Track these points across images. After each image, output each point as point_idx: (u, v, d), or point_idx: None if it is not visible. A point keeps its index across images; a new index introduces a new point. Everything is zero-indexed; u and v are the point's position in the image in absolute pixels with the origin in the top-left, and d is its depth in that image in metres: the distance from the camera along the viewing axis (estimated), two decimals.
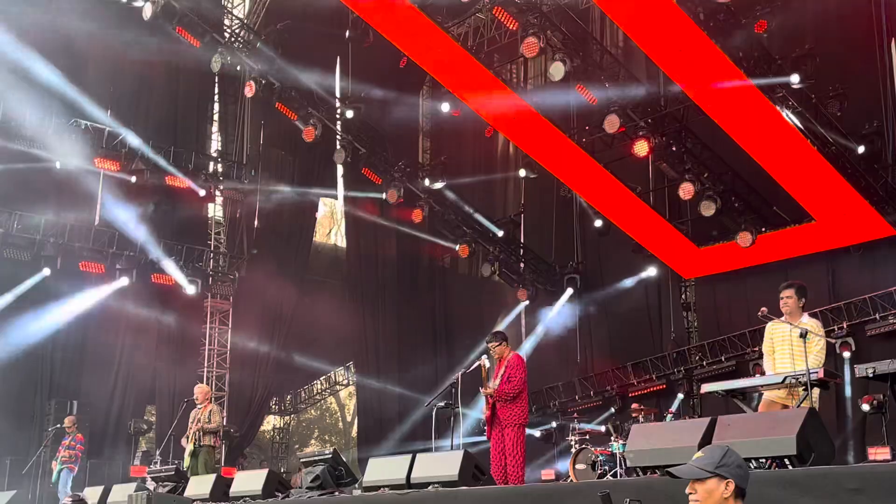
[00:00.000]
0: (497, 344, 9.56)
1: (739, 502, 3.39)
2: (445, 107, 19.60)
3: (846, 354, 14.55)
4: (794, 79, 13.93)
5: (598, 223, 18.41)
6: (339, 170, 22.18)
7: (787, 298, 7.45)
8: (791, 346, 7.34)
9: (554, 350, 19.62)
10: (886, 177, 14.69)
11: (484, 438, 9.74)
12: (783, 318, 7.45)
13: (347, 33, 17.64)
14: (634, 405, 14.00)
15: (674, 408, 16.08)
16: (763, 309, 7.40)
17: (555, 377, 19.24)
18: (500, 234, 19.70)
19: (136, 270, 18.19)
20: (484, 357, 9.49)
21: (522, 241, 20.70)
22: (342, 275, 23.98)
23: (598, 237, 18.97)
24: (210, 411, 12.26)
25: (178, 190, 19.17)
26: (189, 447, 12.12)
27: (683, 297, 18.76)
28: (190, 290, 19.01)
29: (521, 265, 20.18)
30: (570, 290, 19.59)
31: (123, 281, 18.08)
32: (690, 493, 3.42)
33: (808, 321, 7.39)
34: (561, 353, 19.76)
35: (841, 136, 14.45)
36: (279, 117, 18.42)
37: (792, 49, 14.55)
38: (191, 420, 12.34)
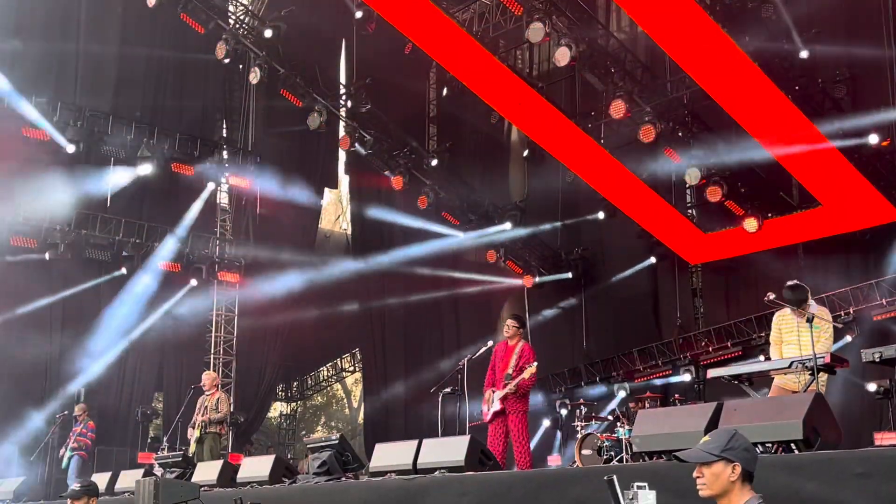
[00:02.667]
0: (517, 326, 9.54)
1: (747, 486, 3.39)
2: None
3: (847, 338, 14.51)
4: (804, 54, 13.86)
5: (601, 214, 18.38)
6: (344, 157, 22.15)
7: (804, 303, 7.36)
8: (798, 334, 7.32)
9: (560, 336, 19.62)
10: (894, 161, 14.62)
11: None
12: (790, 308, 7.41)
13: (358, 14, 17.57)
14: (643, 395, 13.98)
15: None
16: (770, 294, 7.37)
17: (561, 363, 19.25)
18: (509, 225, 19.57)
19: (139, 257, 18.26)
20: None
21: (527, 227, 20.64)
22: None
23: (603, 223, 18.92)
24: (217, 399, 12.28)
25: None
26: (195, 434, 12.17)
27: (689, 282, 18.71)
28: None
29: (527, 251, 20.14)
30: (568, 275, 19.55)
31: (123, 271, 18.16)
32: (698, 477, 3.43)
33: (815, 309, 7.36)
34: (566, 339, 19.76)
35: (847, 121, 14.37)
36: (284, 104, 18.38)
37: (799, 33, 14.46)
38: (198, 406, 12.38)
